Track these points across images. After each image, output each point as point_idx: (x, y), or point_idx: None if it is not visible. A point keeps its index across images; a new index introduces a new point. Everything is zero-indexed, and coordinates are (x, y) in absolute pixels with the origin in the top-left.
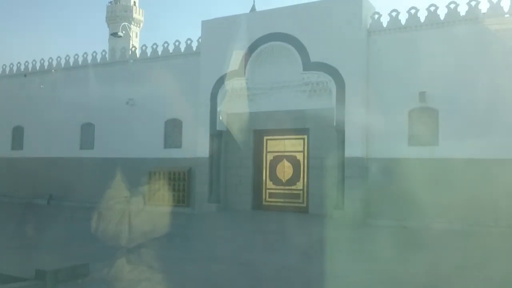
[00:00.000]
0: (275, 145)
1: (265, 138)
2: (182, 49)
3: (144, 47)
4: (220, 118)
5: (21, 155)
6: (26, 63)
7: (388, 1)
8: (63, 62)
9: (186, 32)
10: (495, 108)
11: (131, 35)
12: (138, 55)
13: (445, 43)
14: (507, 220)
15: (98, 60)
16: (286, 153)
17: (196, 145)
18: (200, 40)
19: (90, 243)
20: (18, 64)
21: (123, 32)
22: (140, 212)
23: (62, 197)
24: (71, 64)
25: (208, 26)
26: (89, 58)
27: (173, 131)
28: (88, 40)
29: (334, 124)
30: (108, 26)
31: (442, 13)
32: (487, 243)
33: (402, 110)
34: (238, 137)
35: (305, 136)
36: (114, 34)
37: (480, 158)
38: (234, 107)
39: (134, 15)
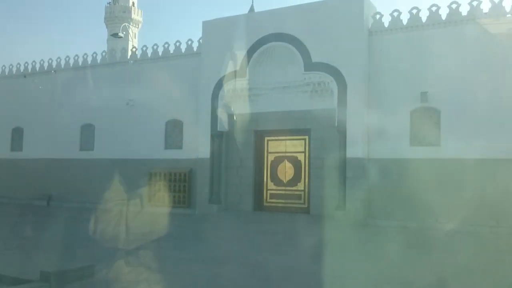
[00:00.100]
0: (276, 146)
1: (266, 138)
2: (183, 50)
3: (144, 48)
4: (221, 118)
5: (21, 156)
6: (26, 64)
7: (390, 1)
8: (63, 63)
9: (184, 32)
10: (497, 108)
11: (131, 36)
12: (138, 56)
13: (447, 43)
14: (509, 221)
15: (98, 61)
16: (287, 154)
17: (197, 145)
18: (201, 40)
19: (89, 245)
20: (18, 65)
21: (124, 32)
22: (137, 214)
23: (62, 198)
24: (71, 65)
25: (209, 27)
26: (89, 59)
27: (173, 131)
28: (86, 41)
29: (336, 124)
30: (107, 27)
31: (444, 13)
32: (489, 243)
33: (404, 110)
34: (239, 137)
35: (306, 137)
36: (114, 35)
37: (482, 158)
38: (235, 108)
39: (133, 16)
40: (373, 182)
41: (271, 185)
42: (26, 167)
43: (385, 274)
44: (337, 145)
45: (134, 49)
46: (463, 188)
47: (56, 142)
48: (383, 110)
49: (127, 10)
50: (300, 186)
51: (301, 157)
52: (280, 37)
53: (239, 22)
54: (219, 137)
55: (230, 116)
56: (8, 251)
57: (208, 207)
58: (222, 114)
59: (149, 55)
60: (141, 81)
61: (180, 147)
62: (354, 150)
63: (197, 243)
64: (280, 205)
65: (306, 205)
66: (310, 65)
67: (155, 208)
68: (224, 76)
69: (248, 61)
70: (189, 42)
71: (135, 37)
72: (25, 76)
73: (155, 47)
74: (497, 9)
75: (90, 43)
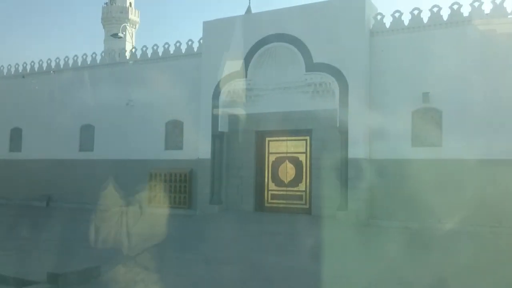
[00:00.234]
0: (277, 146)
1: (267, 139)
2: (183, 50)
3: (144, 48)
4: (222, 119)
5: (20, 157)
6: (25, 64)
7: (391, 2)
8: (62, 63)
9: (182, 33)
10: (499, 108)
11: (131, 36)
12: (138, 56)
13: (449, 43)
14: (510, 221)
15: (98, 61)
16: (288, 154)
17: (198, 146)
18: (201, 41)
19: (91, 246)
20: (16, 65)
21: (123, 33)
22: (138, 215)
23: (61, 199)
24: (70, 65)
25: (210, 27)
26: (89, 59)
27: (174, 132)
28: (82, 42)
29: (337, 125)
30: (104, 27)
31: (445, 14)
32: (491, 244)
33: (405, 111)
34: (240, 138)
35: (308, 137)
36: (114, 35)
37: (484, 158)
38: (236, 108)
39: (130, 16)
40: (375, 183)
41: (272, 186)
42: (25, 168)
43: (389, 274)
44: (338, 146)
45: (134, 50)
46: (465, 189)
47: (55, 142)
48: (385, 110)
49: (124, 11)
50: (302, 186)
51: (302, 157)
52: (281, 37)
53: (240, 22)
54: (220, 138)
55: (231, 116)
56: (10, 253)
57: (209, 208)
58: (223, 115)
59: (149, 55)
60: (141, 82)
61: (181, 148)
62: (356, 151)
63: (200, 244)
64: (281, 205)
65: (307, 206)
66: (311, 66)
67: (155, 209)
68: (225, 77)
69: (249, 62)
70: (190, 43)
71: (132, 38)
72: (23, 77)
73: (155, 47)
74: (498, 10)
75: (87, 43)
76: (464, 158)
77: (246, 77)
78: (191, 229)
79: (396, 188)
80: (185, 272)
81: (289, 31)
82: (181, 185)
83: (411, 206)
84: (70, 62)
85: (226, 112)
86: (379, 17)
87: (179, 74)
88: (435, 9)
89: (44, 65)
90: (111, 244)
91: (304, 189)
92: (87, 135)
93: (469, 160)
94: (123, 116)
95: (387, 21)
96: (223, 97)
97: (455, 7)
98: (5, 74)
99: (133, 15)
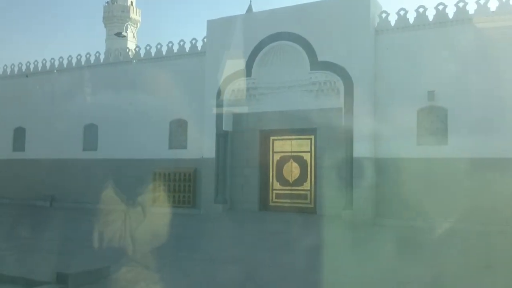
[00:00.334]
0: (282, 145)
1: (271, 138)
2: (187, 49)
3: (148, 47)
4: (226, 118)
5: (23, 156)
6: (28, 64)
7: (395, 0)
8: (65, 62)
9: (183, 32)
10: (505, 107)
11: (133, 35)
12: (142, 55)
13: (454, 41)
14: None
15: (101, 61)
16: (293, 153)
17: (202, 145)
18: (205, 39)
19: (98, 246)
20: (20, 65)
21: (127, 32)
22: (142, 220)
23: (65, 199)
24: (74, 64)
25: (214, 26)
26: (92, 59)
27: (178, 131)
28: (84, 41)
29: (342, 123)
30: (105, 27)
31: (451, 11)
32: (498, 242)
33: (411, 109)
34: (244, 137)
35: (312, 136)
36: (118, 34)
37: (490, 157)
38: (240, 107)
39: (131, 15)
40: (380, 182)
41: (276, 185)
42: (28, 168)
43: (399, 274)
44: (343, 145)
45: (137, 49)
46: (471, 187)
47: (58, 142)
48: (390, 109)
49: (125, 10)
50: (306, 185)
51: (307, 156)
52: (285, 36)
53: (244, 21)
54: (224, 137)
55: (235, 115)
56: (14, 253)
57: (213, 207)
58: (227, 114)
59: (152, 54)
60: (144, 81)
61: (185, 147)
62: (361, 149)
63: (205, 243)
64: (286, 205)
65: (312, 205)
66: (316, 64)
67: (159, 208)
68: (229, 75)
69: (253, 60)
70: (193, 41)
71: (133, 37)
72: (27, 76)
73: (158, 46)
74: (504, 7)
75: (88, 43)
76: (470, 156)
77: (250, 75)
78: (196, 229)
79: (401, 187)
80: (192, 271)
81: (293, 30)
82: (185, 184)
83: (417, 205)
84: (74, 61)
85: (230, 111)
86: (384, 15)
87: (183, 73)
88: (440, 7)
89: (48, 64)
90: (116, 244)
91: (308, 188)
92: (90, 134)
93: (475, 158)
94: (126, 116)
95: (392, 19)
96: (227, 96)
97: (461, 4)
98: (8, 73)
99: (135, 14)
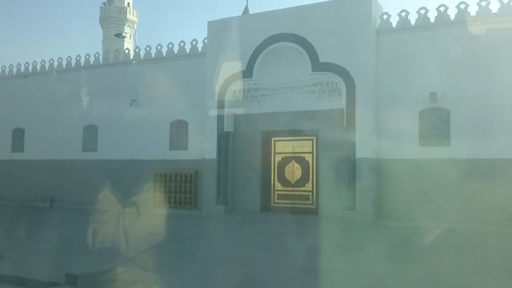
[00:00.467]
0: (284, 146)
1: (273, 139)
2: (187, 50)
3: (148, 48)
4: (227, 119)
5: (22, 157)
6: (27, 64)
7: (397, 2)
8: (64, 63)
9: (180, 32)
10: (508, 108)
11: (130, 36)
12: (142, 56)
13: (456, 43)
14: None
15: (101, 61)
16: (295, 154)
17: (203, 146)
18: (206, 40)
19: (100, 248)
20: (18, 65)
21: (126, 32)
22: (143, 215)
23: (65, 200)
24: (73, 65)
25: (214, 27)
26: (92, 59)
27: (178, 132)
28: (80, 42)
29: (345, 124)
30: (102, 28)
31: (452, 13)
32: (501, 243)
33: (413, 111)
34: (245, 138)
35: (314, 137)
36: (118, 35)
37: (493, 158)
38: (242, 108)
39: (128, 16)
40: (383, 183)
41: (278, 186)
42: (28, 169)
43: (408, 274)
44: (345, 146)
45: (137, 49)
46: (474, 188)
47: (58, 143)
48: (392, 110)
49: (122, 11)
50: (308, 186)
51: (308, 157)
52: (287, 37)
53: (245, 22)
54: (225, 138)
55: (237, 116)
56: (15, 253)
57: (215, 208)
58: (228, 115)
59: (153, 55)
60: (145, 82)
61: (186, 148)
62: (363, 151)
63: (208, 244)
64: (288, 205)
65: (314, 206)
66: (317, 65)
67: (160, 209)
68: (230, 76)
69: (255, 61)
70: (194, 42)
71: (130, 38)
72: (26, 77)
73: (159, 47)
74: (506, 9)
75: (85, 44)
76: (473, 157)
77: (251, 77)
78: (198, 230)
79: (404, 188)
80: (197, 272)
81: (295, 31)
82: (186, 185)
83: (420, 206)
84: (73, 62)
85: (232, 112)
86: (385, 16)
87: (183, 73)
88: (442, 9)
89: (47, 65)
90: (120, 246)
91: (310, 189)
92: (90, 135)
93: (478, 159)
94: (127, 116)
95: (394, 21)
96: (228, 96)
97: (462, 6)
98: (7, 74)
99: (131, 15)
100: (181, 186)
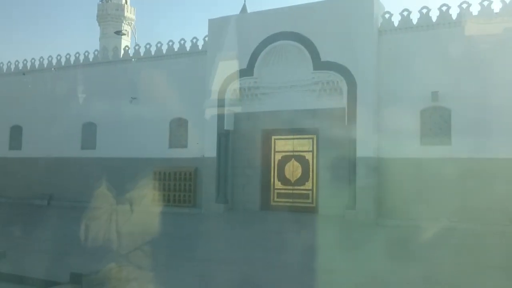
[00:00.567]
0: (284, 145)
1: (273, 137)
2: (188, 48)
3: (148, 46)
4: (228, 117)
5: (20, 155)
6: (25, 62)
7: (399, 1)
8: (63, 60)
9: (178, 30)
10: (509, 107)
11: (127, 34)
12: (142, 54)
13: (458, 42)
14: None
15: (100, 59)
16: (295, 153)
17: (203, 144)
18: (206, 39)
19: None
20: (16, 63)
21: (126, 30)
22: (142, 214)
23: (63, 198)
24: (72, 62)
25: (215, 25)
26: (91, 57)
27: (178, 130)
28: (77, 39)
29: (346, 123)
30: (99, 25)
31: (454, 12)
32: (502, 243)
33: (414, 110)
34: (245, 136)
35: (314, 136)
36: (118, 32)
37: (493, 157)
38: (242, 107)
39: (126, 14)
40: (383, 182)
41: (278, 185)
42: (26, 166)
43: (411, 273)
44: (346, 144)
45: (136, 47)
46: (474, 187)
47: (56, 140)
48: (393, 109)
49: (120, 8)
50: (308, 185)
51: (309, 156)
52: (288, 35)
53: (246, 20)
54: (225, 136)
55: (237, 114)
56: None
57: (214, 207)
58: (228, 113)
59: (152, 53)
60: (144, 79)
61: (185, 146)
62: (364, 149)
63: (207, 243)
64: (287, 204)
65: (314, 205)
66: (319, 64)
67: (160, 207)
68: (230, 75)
69: (256, 60)
70: (194, 40)
71: (128, 35)
72: (24, 74)
73: (158, 45)
74: (508, 9)
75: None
76: (473, 156)
77: (252, 75)
78: (198, 228)
79: (405, 187)
80: (197, 271)
81: (296, 29)
82: (185, 183)
83: (421, 205)
84: (72, 59)
85: (232, 111)
86: (387, 15)
87: (183, 71)
88: (443, 8)
89: (45, 62)
90: (120, 244)
91: (310, 187)
92: (89, 133)
93: (479, 158)
94: (126, 114)
95: (395, 20)
96: (228, 95)
97: (464, 6)
98: (5, 71)
99: (129, 13)
100: (180, 184)
